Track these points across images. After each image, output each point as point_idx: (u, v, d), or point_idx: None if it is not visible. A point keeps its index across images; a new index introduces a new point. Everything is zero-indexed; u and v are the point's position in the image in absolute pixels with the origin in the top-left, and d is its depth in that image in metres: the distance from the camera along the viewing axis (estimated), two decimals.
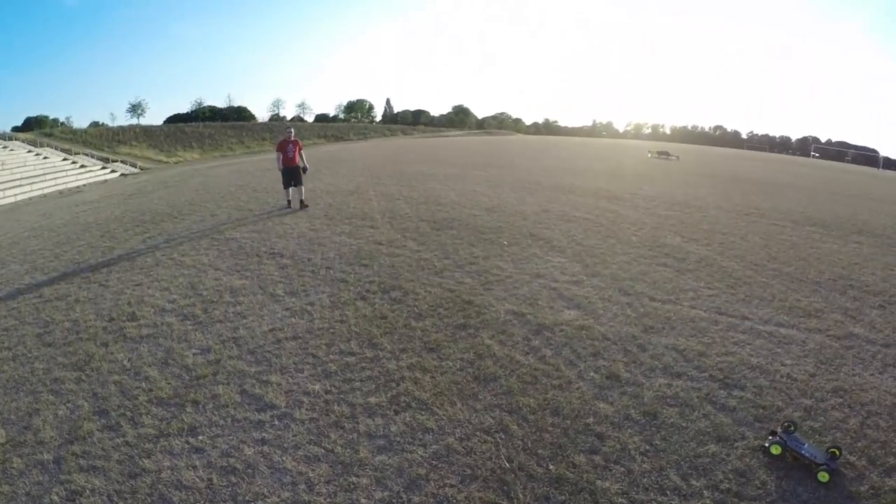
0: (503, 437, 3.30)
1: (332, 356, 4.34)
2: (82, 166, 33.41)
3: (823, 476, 2.95)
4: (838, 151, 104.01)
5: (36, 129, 59.45)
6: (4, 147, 33.74)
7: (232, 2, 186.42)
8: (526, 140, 65.26)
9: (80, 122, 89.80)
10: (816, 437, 3.34)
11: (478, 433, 3.34)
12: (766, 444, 3.17)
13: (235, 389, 3.85)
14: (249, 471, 3.00)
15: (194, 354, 4.42)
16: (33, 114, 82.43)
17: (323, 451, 3.16)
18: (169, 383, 3.96)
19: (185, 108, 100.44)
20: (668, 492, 2.84)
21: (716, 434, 3.33)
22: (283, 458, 3.10)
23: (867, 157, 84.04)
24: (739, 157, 51.38)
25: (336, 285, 6.01)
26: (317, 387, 3.87)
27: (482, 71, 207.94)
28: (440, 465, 3.06)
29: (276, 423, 3.45)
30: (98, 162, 35.75)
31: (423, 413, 3.55)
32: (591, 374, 4.08)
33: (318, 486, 2.89)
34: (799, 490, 2.89)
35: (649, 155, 36.83)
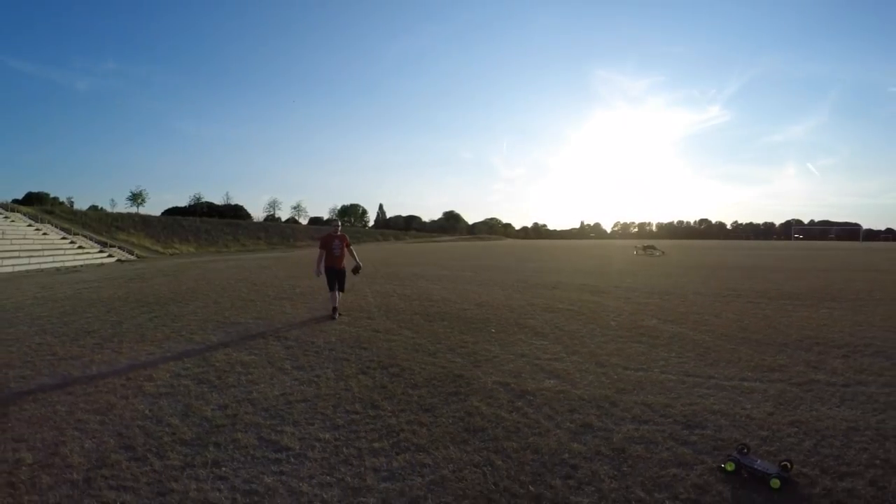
0: (490, 468, 3.78)
1: (339, 414, 4.84)
2: (80, 247, 33.97)
3: (775, 483, 3.42)
4: (821, 230, 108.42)
5: (36, 204, 60.95)
6: (6, 217, 34.61)
7: (235, 104, 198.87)
8: (515, 244, 67.69)
9: (80, 203, 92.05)
10: (771, 457, 3.85)
11: (468, 466, 3.81)
12: (722, 465, 3.68)
13: (253, 436, 4.32)
14: (270, 493, 3.44)
15: (212, 409, 4.90)
16: (34, 189, 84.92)
17: (335, 479, 3.62)
18: (191, 429, 4.42)
19: (182, 201, 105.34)
20: (633, 502, 3.31)
21: (677, 461, 3.83)
22: (300, 484, 3.55)
23: (850, 231, 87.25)
24: (724, 247, 53.44)
25: (339, 363, 6.57)
26: (327, 435, 4.35)
27: (476, 182, 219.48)
28: (436, 488, 3.52)
29: (293, 459, 3.91)
30: (96, 245, 36.33)
31: (420, 454, 4.03)
32: (567, 424, 4.60)
33: (331, 498, 3.34)
34: (753, 496, 3.37)
35: (635, 252, 38.32)
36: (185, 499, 3.36)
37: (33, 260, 26.27)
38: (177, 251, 46.08)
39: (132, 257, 36.24)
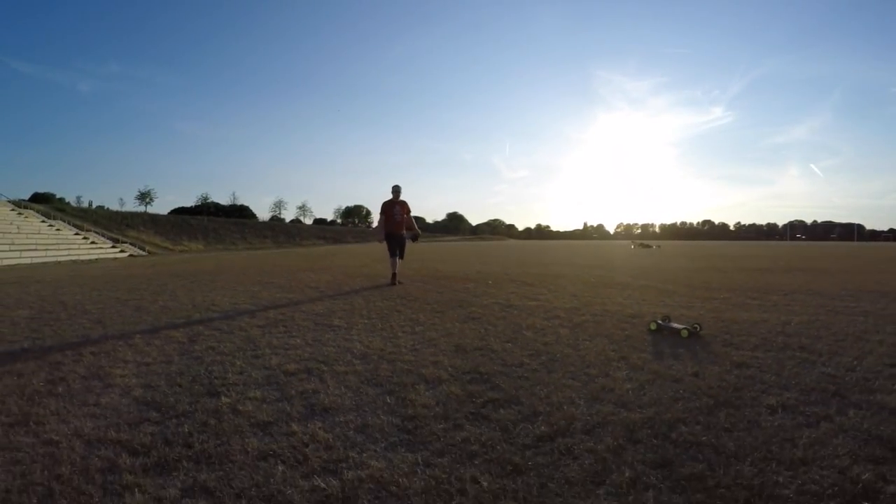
0: (483, 331, 5.31)
1: (372, 314, 6.37)
2: (93, 242, 34.96)
3: (684, 333, 4.90)
4: (824, 231, 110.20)
5: (45, 204, 62.49)
6: (20, 214, 35.80)
7: (238, 105, 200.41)
8: (518, 243, 69.23)
9: (87, 203, 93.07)
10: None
11: (468, 330, 5.36)
12: (649, 326, 5.26)
13: (311, 323, 5.88)
14: (331, 341, 5.00)
15: (272, 313, 6.50)
16: (40, 189, 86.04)
17: (375, 337, 5.16)
18: (258, 319, 6.02)
19: (188, 202, 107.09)
20: (582, 342, 4.88)
21: (617, 327, 5.39)
22: (351, 338, 5.08)
23: (852, 232, 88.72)
24: (720, 245, 54.73)
25: (364, 295, 8.14)
26: (364, 321, 5.90)
27: (478, 183, 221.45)
28: (446, 336, 5.06)
29: (342, 331, 5.44)
30: (108, 241, 37.29)
31: (434, 327, 5.55)
32: (541, 315, 6.19)
33: (375, 344, 4.91)
34: (669, 340, 4.84)
35: (632, 246, 39.92)
36: (269, 343, 4.91)
37: (49, 253, 27.40)
38: (186, 248, 47.49)
39: (143, 253, 37.39)
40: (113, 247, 36.00)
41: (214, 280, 11.23)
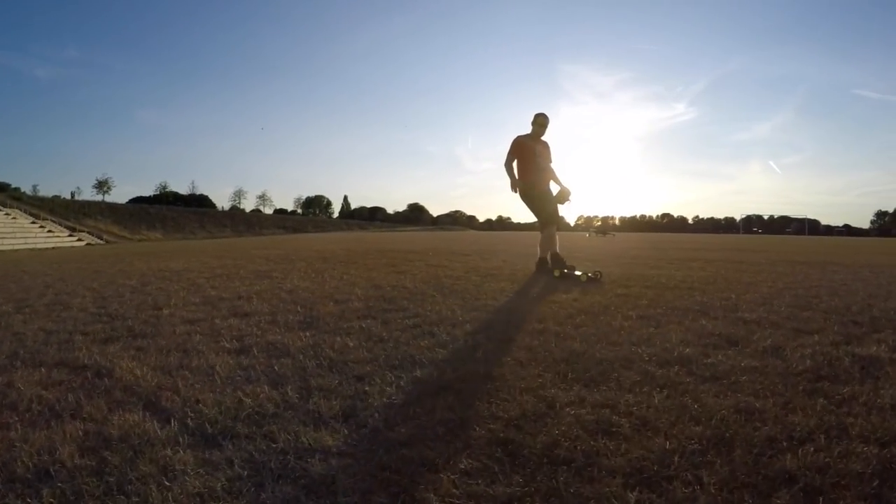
0: (403, 279, 6.09)
1: (316, 274, 7.08)
2: (50, 231, 34.50)
3: (583, 277, 5.60)
4: (781, 225, 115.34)
5: (0, 192, 60.32)
6: None
7: (199, 93, 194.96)
8: (477, 234, 70.40)
9: (44, 192, 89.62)
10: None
11: (390, 278, 6.12)
12: (554, 274, 6.05)
13: (251, 276, 6.56)
14: (263, 285, 5.68)
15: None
16: None
17: (308, 281, 5.87)
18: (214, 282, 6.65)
19: (148, 191, 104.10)
20: (486, 283, 5.68)
21: (534, 276, 6.27)
22: (283, 284, 5.80)
23: (810, 226, 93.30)
24: (673, 236, 56.77)
25: (317, 259, 8.80)
26: (302, 274, 6.61)
27: (442, 175, 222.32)
28: (368, 280, 5.81)
29: (278, 280, 6.15)
30: (65, 229, 36.78)
31: (360, 278, 6.29)
32: (461, 272, 7.01)
33: (303, 285, 5.61)
34: (567, 282, 5.54)
35: (588, 235, 41.44)
36: (211, 286, 5.55)
37: (5, 241, 27.03)
38: (144, 237, 46.78)
39: (101, 242, 36.83)
40: (70, 235, 35.39)
41: (172, 255, 11.69)
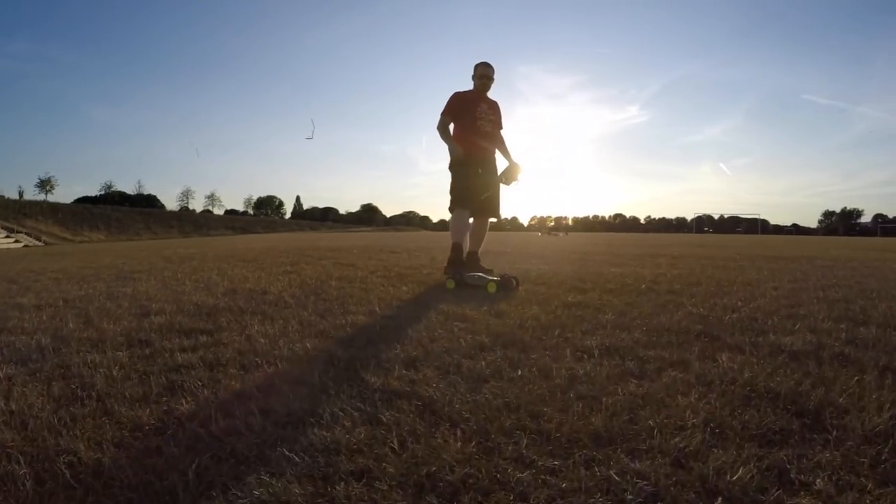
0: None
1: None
2: None
3: (491, 287, 4.09)
4: (731, 224, 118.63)
5: None
6: None
7: (149, 91, 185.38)
8: (430, 235, 69.02)
9: None
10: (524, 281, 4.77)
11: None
12: (449, 286, 4.42)
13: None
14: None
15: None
16: None
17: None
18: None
19: (94, 191, 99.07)
20: (394, 284, 4.09)
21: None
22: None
23: (759, 225, 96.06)
24: (626, 235, 57.36)
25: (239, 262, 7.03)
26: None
27: (396, 175, 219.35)
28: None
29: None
30: (2, 231, 34.57)
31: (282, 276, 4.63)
32: (372, 262, 5.40)
33: None
34: (476, 294, 4.13)
35: (539, 234, 40.72)
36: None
37: None
38: (86, 239, 44.13)
39: (39, 243, 34.36)
40: (7, 237, 32.91)
41: (73, 256, 9.95)
